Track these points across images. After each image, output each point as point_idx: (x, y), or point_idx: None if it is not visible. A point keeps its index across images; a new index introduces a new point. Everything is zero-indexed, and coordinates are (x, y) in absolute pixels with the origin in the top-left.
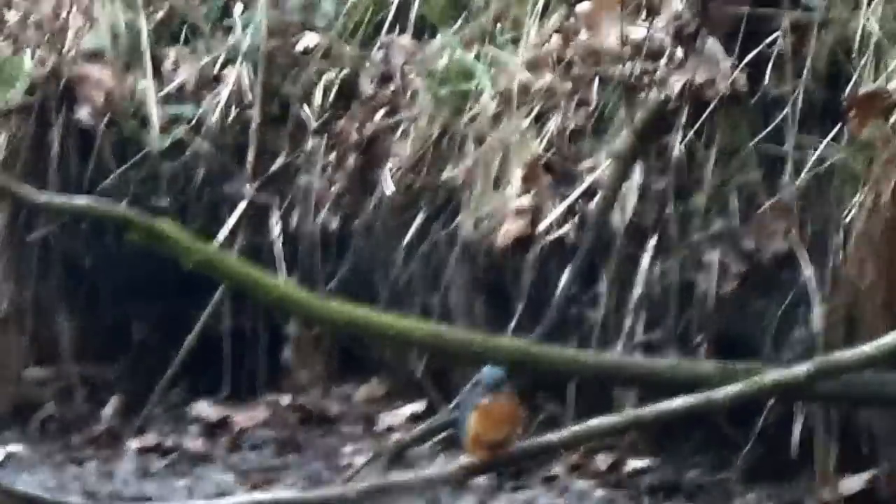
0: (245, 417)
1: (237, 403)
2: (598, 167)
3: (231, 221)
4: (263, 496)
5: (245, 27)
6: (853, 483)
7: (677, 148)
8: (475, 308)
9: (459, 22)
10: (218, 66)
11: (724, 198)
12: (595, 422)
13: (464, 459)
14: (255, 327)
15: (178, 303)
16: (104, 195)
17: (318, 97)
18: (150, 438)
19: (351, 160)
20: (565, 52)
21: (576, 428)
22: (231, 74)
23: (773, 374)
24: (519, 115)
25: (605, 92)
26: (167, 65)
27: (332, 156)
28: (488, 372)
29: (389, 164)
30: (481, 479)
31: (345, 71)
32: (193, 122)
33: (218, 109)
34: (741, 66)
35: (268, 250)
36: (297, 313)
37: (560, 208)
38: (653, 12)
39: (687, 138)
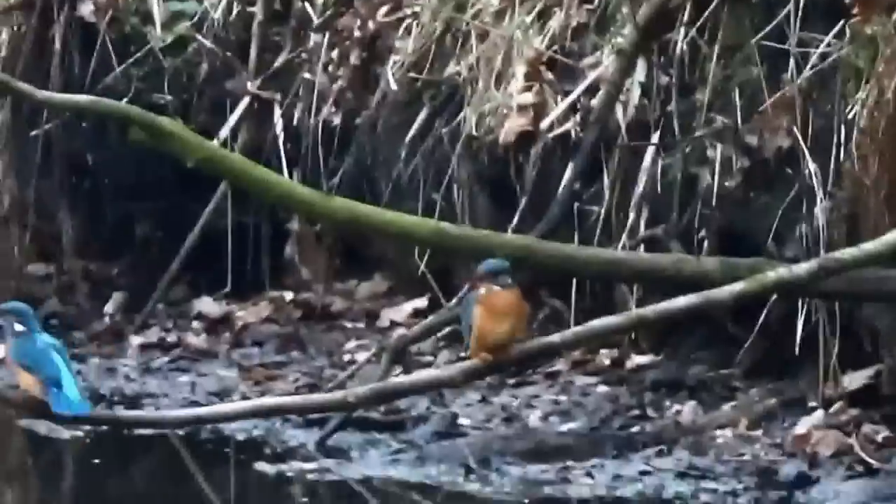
0: (247, 313)
1: (240, 300)
2: (601, 64)
3: (233, 118)
4: (267, 401)
5: None
6: (856, 379)
7: (680, 44)
8: (478, 204)
9: None
10: None
11: (727, 94)
12: (598, 322)
13: (466, 363)
14: (258, 224)
15: (180, 200)
16: (106, 92)
17: None
18: (152, 334)
19: (354, 57)
20: None
21: (578, 329)
22: None
23: (776, 272)
24: (522, 12)
25: None
26: None
27: (335, 52)
28: (490, 262)
29: (392, 61)
30: None
31: None
32: (196, 18)
33: (221, 6)
34: None
35: (270, 147)
36: (300, 210)
37: (563, 105)
38: None
39: (690, 34)
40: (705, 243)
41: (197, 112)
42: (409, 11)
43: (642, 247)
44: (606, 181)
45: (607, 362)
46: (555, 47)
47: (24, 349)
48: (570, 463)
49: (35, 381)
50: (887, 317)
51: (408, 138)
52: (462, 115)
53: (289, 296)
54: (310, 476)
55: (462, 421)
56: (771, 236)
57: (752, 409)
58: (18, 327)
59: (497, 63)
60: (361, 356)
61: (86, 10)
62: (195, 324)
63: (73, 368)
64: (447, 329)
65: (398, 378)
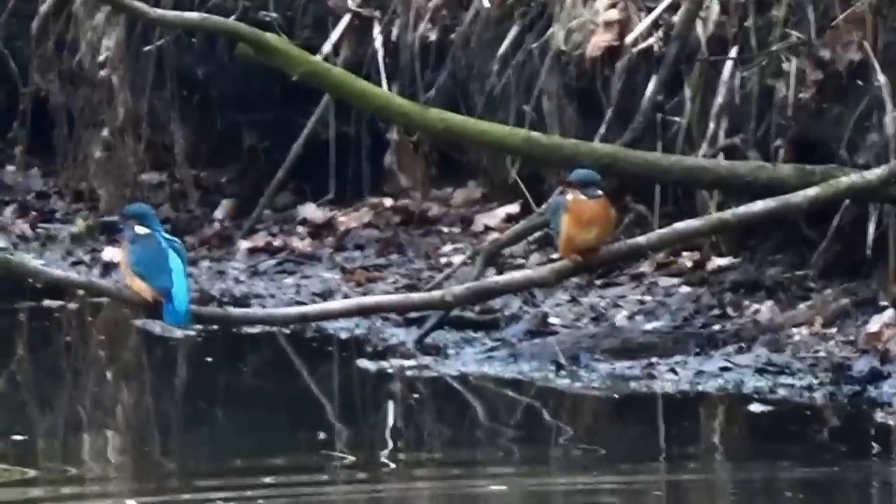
0: (349, 219)
1: (342, 206)
2: None
3: (335, 35)
4: (369, 300)
5: None
6: None
7: None
8: (566, 115)
9: None
10: None
11: (802, 10)
12: (681, 225)
13: (557, 263)
14: (359, 134)
15: (285, 112)
16: (215, 10)
17: None
18: (259, 239)
19: None
20: None
21: (663, 231)
22: None
23: (848, 178)
24: None
25: None
26: None
27: None
28: (579, 171)
29: None
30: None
31: None
32: None
33: None
34: None
35: (370, 62)
36: (398, 121)
37: (646, 21)
38: None
39: None
40: (781, 151)
41: (300, 28)
42: None
43: (722, 155)
44: (688, 93)
45: (689, 264)
46: None
47: (140, 256)
48: (654, 360)
49: (147, 289)
50: None
51: (500, 53)
52: (551, 30)
53: (388, 202)
54: (409, 372)
55: (553, 320)
56: (843, 144)
57: (827, 308)
58: (140, 230)
59: None
60: (457, 259)
61: None
62: (300, 229)
63: (188, 271)
64: (538, 233)
65: (493, 278)
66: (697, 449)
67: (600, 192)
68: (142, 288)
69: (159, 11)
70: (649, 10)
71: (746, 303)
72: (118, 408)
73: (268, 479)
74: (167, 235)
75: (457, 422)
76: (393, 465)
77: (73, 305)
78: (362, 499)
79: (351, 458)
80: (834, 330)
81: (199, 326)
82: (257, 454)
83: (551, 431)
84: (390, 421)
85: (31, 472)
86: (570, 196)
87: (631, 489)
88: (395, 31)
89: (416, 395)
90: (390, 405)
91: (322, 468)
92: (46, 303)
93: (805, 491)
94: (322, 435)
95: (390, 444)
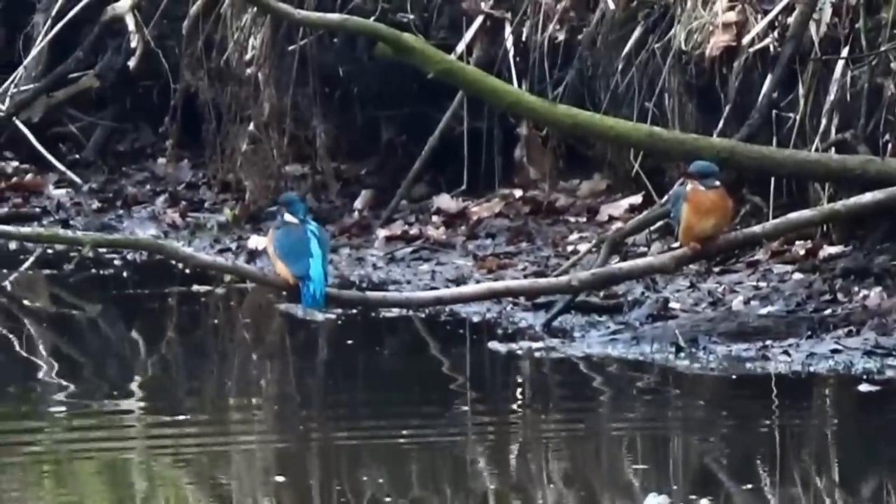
0: (481, 209)
1: (474, 196)
2: None
3: (469, 35)
4: (498, 285)
5: None
6: None
7: None
8: (686, 111)
9: None
10: None
11: None
12: (794, 215)
13: (677, 251)
14: (490, 129)
15: (421, 107)
16: (355, 11)
17: None
18: (396, 228)
19: None
20: None
21: (777, 221)
22: None
23: None
24: None
25: None
26: None
27: None
28: (699, 163)
29: None
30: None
31: None
32: None
33: None
34: None
35: (501, 61)
36: (528, 116)
37: (763, 22)
38: None
39: None
40: (889, 146)
41: (436, 29)
42: None
43: (833, 149)
44: (801, 91)
45: (802, 252)
46: None
47: (283, 242)
48: (768, 342)
49: (288, 272)
50: None
51: (624, 52)
52: (673, 31)
53: (518, 193)
54: (537, 354)
55: (673, 305)
56: None
57: None
58: (288, 217)
59: None
60: (583, 247)
61: None
62: (435, 218)
63: (328, 258)
64: (659, 223)
65: (617, 265)
66: (807, 418)
67: (718, 182)
68: (284, 270)
69: (303, 13)
70: (766, 12)
71: (856, 289)
72: (264, 384)
73: (404, 431)
74: (312, 224)
75: (581, 391)
76: (519, 420)
77: (219, 290)
78: (489, 444)
79: (481, 416)
80: None
81: (339, 310)
82: (395, 415)
83: (669, 399)
84: (518, 391)
85: (186, 441)
86: (689, 186)
87: (739, 429)
88: (525, 32)
89: (543, 373)
90: (518, 380)
91: (454, 424)
92: (195, 288)
93: None
94: (455, 400)
95: (518, 406)
